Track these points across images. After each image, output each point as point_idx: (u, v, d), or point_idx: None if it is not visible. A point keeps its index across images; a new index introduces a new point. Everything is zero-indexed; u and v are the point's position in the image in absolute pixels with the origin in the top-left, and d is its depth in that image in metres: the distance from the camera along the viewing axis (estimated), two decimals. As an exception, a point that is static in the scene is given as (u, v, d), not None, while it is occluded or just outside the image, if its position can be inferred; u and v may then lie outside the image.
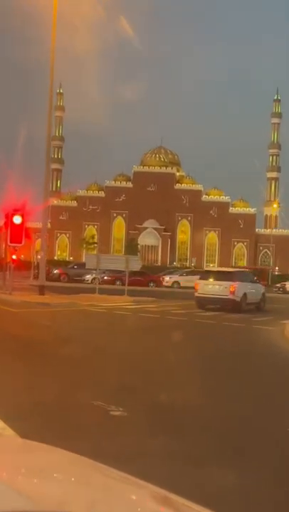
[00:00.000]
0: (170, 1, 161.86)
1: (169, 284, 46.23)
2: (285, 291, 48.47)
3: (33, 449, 1.97)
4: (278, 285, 51.56)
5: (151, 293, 32.15)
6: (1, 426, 5.31)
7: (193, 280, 46.71)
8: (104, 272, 44.32)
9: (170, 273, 51.95)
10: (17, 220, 22.92)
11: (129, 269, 28.27)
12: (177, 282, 46.38)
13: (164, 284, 46.03)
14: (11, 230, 22.99)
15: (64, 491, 1.44)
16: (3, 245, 28.61)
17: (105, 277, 43.18)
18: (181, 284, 45.58)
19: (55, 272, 46.30)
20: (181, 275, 48.63)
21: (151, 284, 43.48)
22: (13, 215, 22.99)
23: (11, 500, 1.22)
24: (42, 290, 23.78)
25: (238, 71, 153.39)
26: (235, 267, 57.92)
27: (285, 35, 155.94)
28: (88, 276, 43.67)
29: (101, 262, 27.92)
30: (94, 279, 42.86)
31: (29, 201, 24.80)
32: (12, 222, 22.91)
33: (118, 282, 41.93)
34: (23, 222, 23.08)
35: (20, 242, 23.40)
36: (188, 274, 49.47)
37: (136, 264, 29.34)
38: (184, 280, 46.71)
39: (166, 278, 47.82)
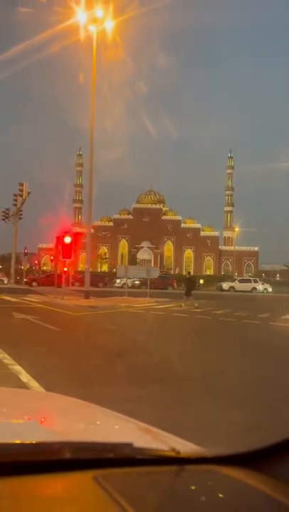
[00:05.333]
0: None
1: (120, 285, 36.28)
2: (222, 290, 43.45)
3: (54, 398, 1.92)
4: (217, 285, 45.99)
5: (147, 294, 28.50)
6: (27, 379, 4.87)
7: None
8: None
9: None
10: (67, 239, 20.14)
11: (150, 277, 25.06)
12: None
13: (116, 285, 38.15)
14: (63, 248, 20.13)
15: (77, 425, 1.42)
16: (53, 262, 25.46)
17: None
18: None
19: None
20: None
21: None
22: (63, 236, 20.19)
23: (42, 433, 1.18)
24: (87, 295, 20.62)
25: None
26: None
27: (228, 109, 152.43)
28: None
29: (128, 272, 24.77)
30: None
31: (70, 228, 23.71)
32: (63, 241, 20.06)
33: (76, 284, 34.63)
34: (72, 242, 20.25)
35: (70, 257, 20.53)
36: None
37: (155, 274, 26.15)
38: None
39: (118, 280, 38.43)
